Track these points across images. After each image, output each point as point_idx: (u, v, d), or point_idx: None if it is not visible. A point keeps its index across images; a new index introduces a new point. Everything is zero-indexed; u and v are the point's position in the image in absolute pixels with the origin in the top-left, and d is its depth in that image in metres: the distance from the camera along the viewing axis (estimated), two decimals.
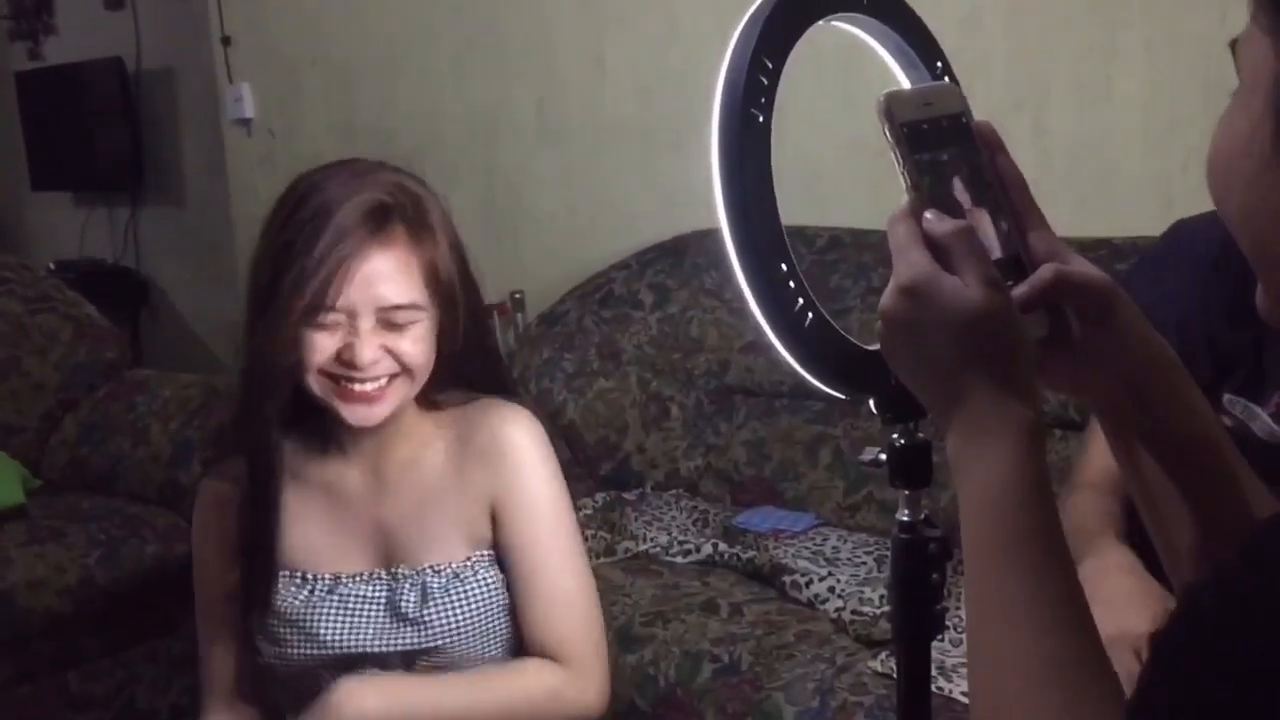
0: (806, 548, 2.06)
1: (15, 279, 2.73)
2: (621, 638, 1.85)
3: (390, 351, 1.23)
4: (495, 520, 1.30)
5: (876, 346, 0.87)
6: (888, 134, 0.78)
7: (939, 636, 0.93)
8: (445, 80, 3.11)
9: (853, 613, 1.81)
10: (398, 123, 3.19)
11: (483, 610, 1.29)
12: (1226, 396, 1.31)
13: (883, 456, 0.90)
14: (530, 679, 1.28)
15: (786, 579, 1.94)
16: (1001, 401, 0.71)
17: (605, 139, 2.87)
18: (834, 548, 2.05)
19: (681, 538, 2.14)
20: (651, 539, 2.15)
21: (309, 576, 1.31)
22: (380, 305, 1.22)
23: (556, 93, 2.94)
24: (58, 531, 2.27)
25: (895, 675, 1.65)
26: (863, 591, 1.87)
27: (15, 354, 2.64)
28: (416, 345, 1.25)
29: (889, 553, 1.99)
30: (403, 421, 1.31)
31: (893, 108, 0.78)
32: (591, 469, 2.44)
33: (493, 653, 1.31)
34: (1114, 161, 2.25)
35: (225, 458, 1.34)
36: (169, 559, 2.25)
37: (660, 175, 2.78)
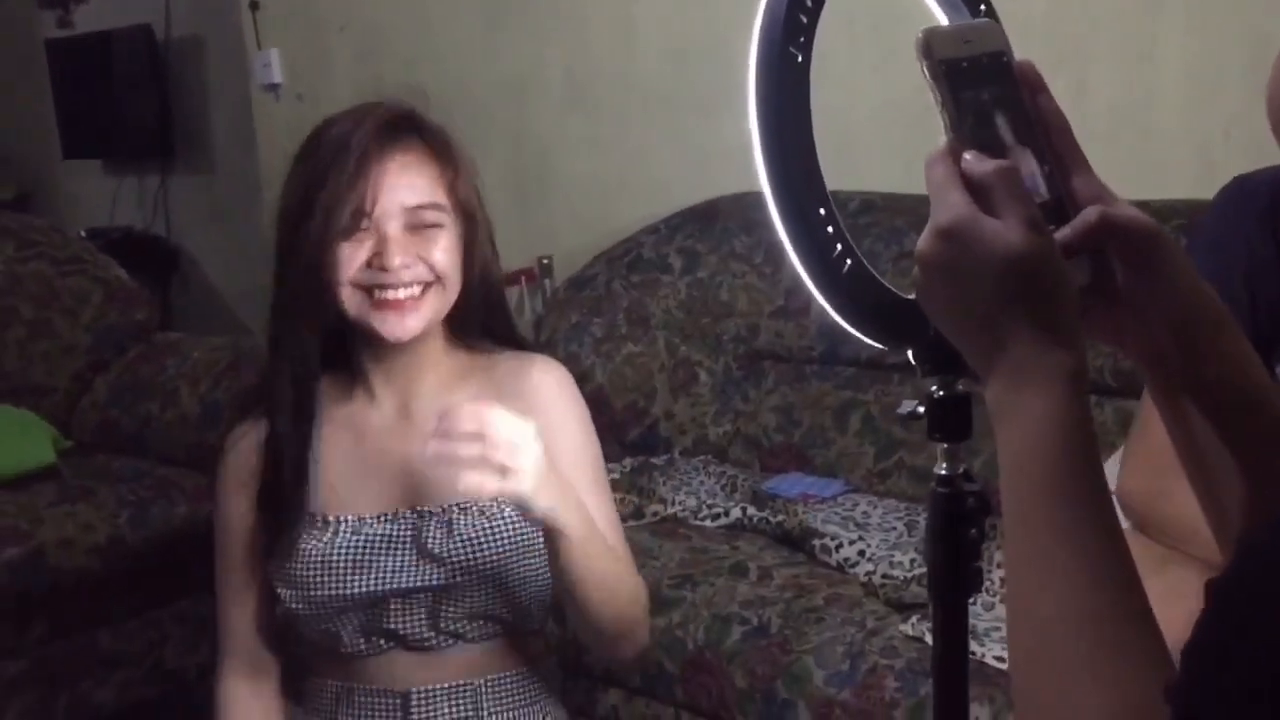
0: (836, 513, 2.04)
1: (46, 241, 2.74)
2: (650, 601, 1.83)
3: (420, 258, 1.25)
4: None
5: (915, 296, 0.84)
6: (926, 71, 0.76)
7: (974, 597, 0.91)
8: (474, 44, 3.08)
9: (883, 576, 1.79)
10: (426, 87, 3.15)
11: (510, 550, 1.27)
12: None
13: (921, 409, 0.88)
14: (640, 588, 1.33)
15: (816, 543, 1.92)
16: (1043, 348, 0.69)
17: (635, 103, 2.84)
18: (864, 513, 2.04)
19: (710, 501, 2.12)
20: (680, 503, 2.13)
21: (331, 519, 1.30)
22: (406, 205, 1.25)
23: (586, 56, 2.91)
24: (88, 491, 2.28)
25: (928, 638, 1.64)
26: (893, 555, 1.85)
27: (46, 315, 2.65)
28: (445, 254, 1.27)
29: (920, 518, 2.00)
30: (431, 352, 1.32)
31: (932, 44, 0.76)
32: (619, 434, 2.43)
33: (521, 596, 1.29)
34: (1155, 122, 2.21)
35: (252, 409, 1.33)
36: (197, 520, 2.25)
37: (690, 139, 2.75)
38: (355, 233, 1.24)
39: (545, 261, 2.92)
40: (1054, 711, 0.66)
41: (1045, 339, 0.69)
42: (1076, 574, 0.67)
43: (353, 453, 1.32)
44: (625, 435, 2.42)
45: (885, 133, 2.43)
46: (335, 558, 1.27)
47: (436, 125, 1.29)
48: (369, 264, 1.24)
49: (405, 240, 1.25)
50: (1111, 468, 1.56)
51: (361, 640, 1.29)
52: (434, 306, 1.27)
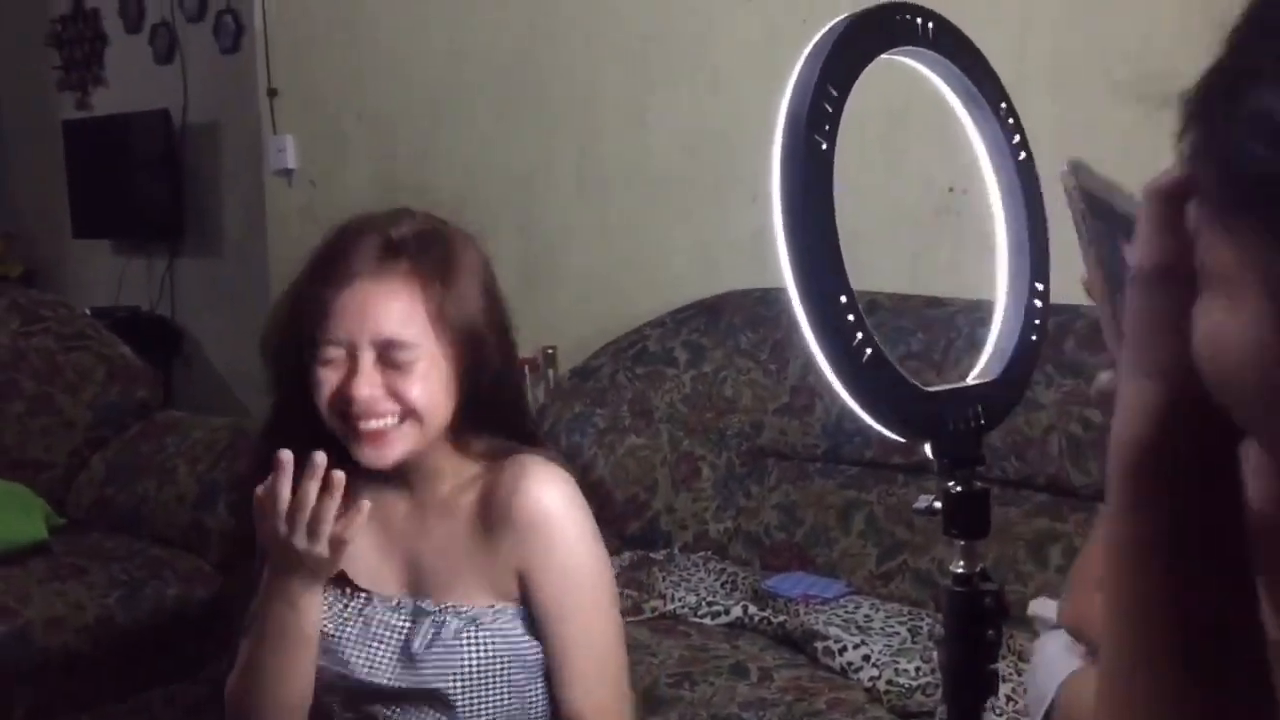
0: (838, 615, 2.00)
1: (52, 316, 2.74)
2: (647, 699, 1.79)
3: (392, 392, 1.22)
4: (525, 585, 1.26)
5: (935, 388, 0.83)
6: (1073, 188, 0.71)
7: (990, 701, 0.89)
8: (487, 134, 3.12)
9: (888, 682, 1.75)
10: (438, 175, 3.20)
11: (494, 661, 1.24)
12: None
13: (938, 505, 0.86)
14: None
15: (819, 645, 1.88)
16: None
17: (645, 196, 2.87)
18: (866, 616, 1.99)
19: (710, 599, 2.08)
20: (679, 599, 2.09)
21: (348, 590, 1.29)
22: (375, 338, 1.21)
23: (597, 148, 2.94)
24: (79, 569, 2.24)
25: None
26: (898, 661, 1.81)
27: (48, 390, 2.64)
28: (420, 386, 1.22)
29: (923, 623, 1.96)
30: (433, 460, 1.29)
31: (1080, 173, 0.72)
32: (619, 527, 2.39)
33: (507, 709, 1.26)
34: None
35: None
36: (190, 602, 2.22)
37: (699, 233, 2.77)
38: (330, 359, 1.22)
39: (550, 351, 2.92)
40: None
41: None
42: None
43: (376, 533, 1.31)
44: (625, 528, 2.39)
45: (893, 236, 2.45)
46: (338, 633, 1.27)
47: (433, 240, 1.25)
48: (340, 393, 1.22)
49: (378, 373, 1.22)
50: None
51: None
52: (411, 438, 1.24)
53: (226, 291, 4.07)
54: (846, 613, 2.01)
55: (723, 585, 2.17)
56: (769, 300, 2.49)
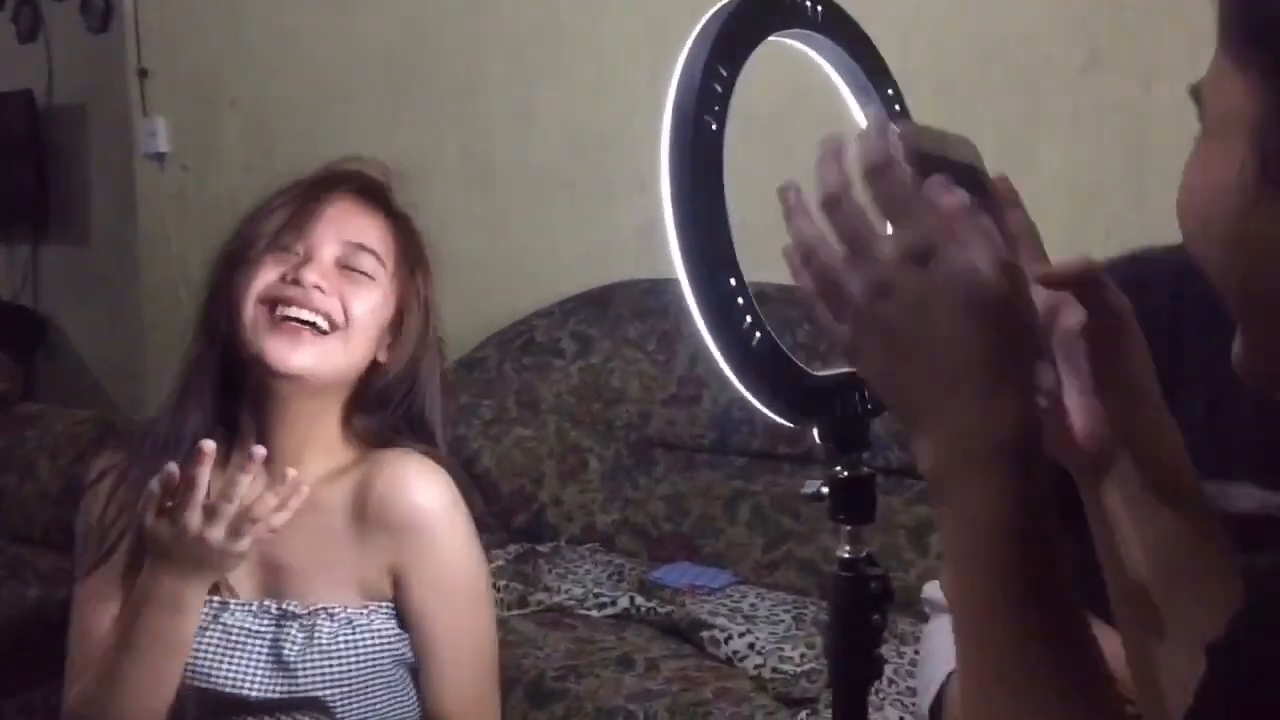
0: (724, 604, 2.01)
1: None
2: (532, 693, 1.77)
3: (338, 294, 1.18)
4: (398, 584, 1.21)
5: (826, 373, 0.83)
6: (903, 152, 0.71)
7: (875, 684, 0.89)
8: (369, 122, 3.06)
9: (773, 670, 1.76)
10: (318, 162, 3.12)
11: (371, 663, 1.19)
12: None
13: (825, 490, 0.86)
14: None
15: (704, 634, 1.88)
16: (999, 413, 0.60)
17: (533, 188, 2.84)
18: (752, 605, 2.01)
19: (597, 590, 2.07)
20: (566, 591, 2.08)
21: None
22: (346, 239, 1.19)
23: (483, 139, 2.91)
24: None
25: None
26: (783, 649, 1.82)
27: None
28: (365, 304, 1.19)
29: (807, 610, 1.97)
30: (322, 437, 1.22)
31: (908, 135, 0.73)
32: (505, 519, 2.37)
33: (381, 709, 1.21)
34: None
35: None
36: (51, 603, 2.12)
37: (587, 225, 2.76)
38: (283, 251, 1.18)
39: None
40: None
41: (1000, 399, 0.60)
42: (1026, 692, 0.60)
43: None
44: (511, 521, 2.37)
45: (779, 226, 2.45)
46: (196, 639, 1.18)
47: (401, 204, 1.27)
48: (283, 278, 1.17)
49: (332, 272, 1.18)
50: None
51: None
52: (329, 354, 1.17)
53: (94, 280, 3.92)
54: (732, 602, 2.01)
55: (609, 577, 2.16)
56: (657, 291, 2.49)
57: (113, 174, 3.73)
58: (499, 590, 2.01)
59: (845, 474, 0.84)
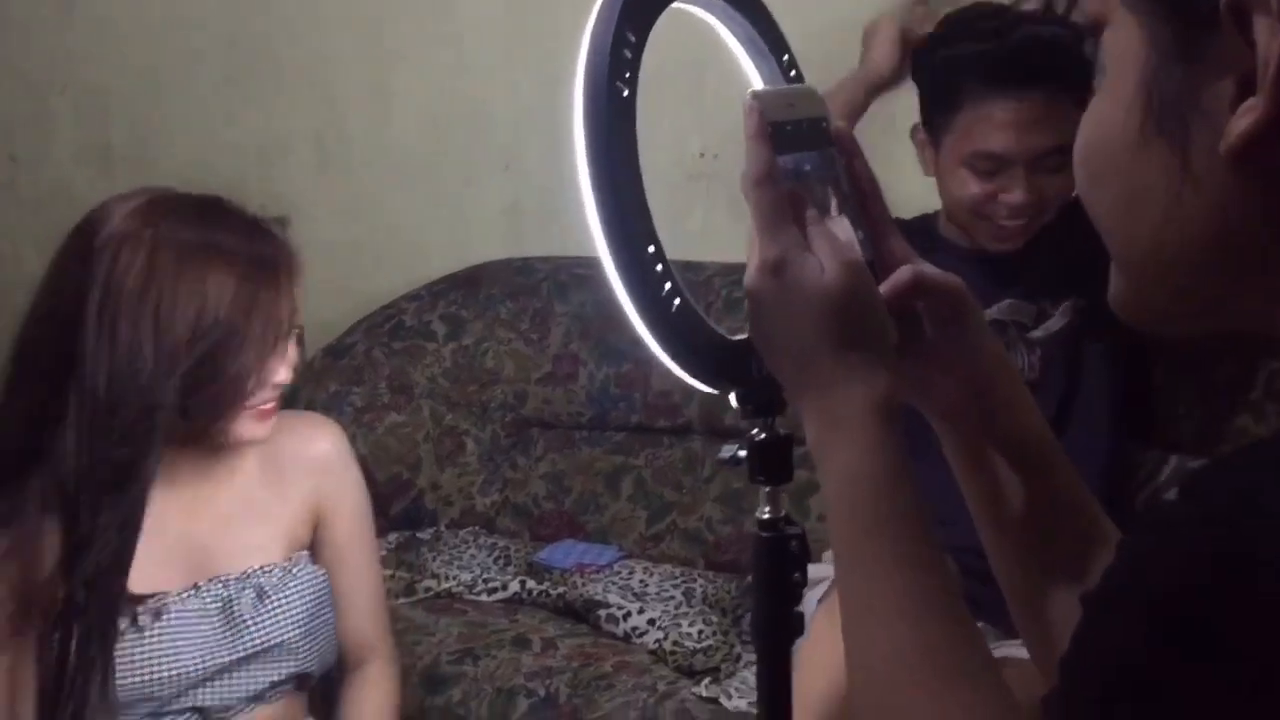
0: (614, 582, 2.02)
1: None
2: (427, 680, 1.76)
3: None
4: (320, 524, 1.33)
5: (741, 336, 0.84)
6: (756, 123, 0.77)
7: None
8: (212, 107, 2.95)
9: (674, 643, 1.78)
10: (159, 151, 3.00)
11: (315, 603, 1.28)
12: None
13: (742, 453, 0.88)
14: (387, 696, 1.36)
15: (601, 613, 1.89)
16: (850, 384, 0.71)
17: (392, 170, 2.79)
18: (641, 581, 2.02)
19: (485, 575, 2.06)
20: (453, 577, 2.06)
21: (128, 606, 1.20)
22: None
23: (337, 122, 2.83)
24: None
25: (722, 699, 1.63)
26: (680, 624, 1.85)
27: None
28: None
29: (696, 584, 2.00)
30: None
31: (761, 106, 0.77)
32: (383, 507, 2.32)
33: (324, 648, 1.29)
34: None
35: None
36: None
37: (451, 206, 2.72)
38: (279, 346, 1.23)
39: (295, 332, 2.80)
40: None
41: (851, 373, 0.71)
42: (905, 613, 0.68)
43: (150, 530, 1.20)
44: (389, 508, 2.33)
45: (702, 185, 2.43)
46: (143, 646, 1.18)
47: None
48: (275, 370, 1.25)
49: (290, 355, 1.27)
50: None
51: None
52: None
53: None
54: (621, 579, 2.03)
55: (495, 560, 2.15)
56: (528, 270, 2.48)
57: None
58: (386, 580, 1.98)
59: (762, 436, 0.86)
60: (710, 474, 2.15)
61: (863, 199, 0.81)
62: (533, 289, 2.42)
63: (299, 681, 1.30)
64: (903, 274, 0.78)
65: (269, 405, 1.24)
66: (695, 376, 0.84)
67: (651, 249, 0.82)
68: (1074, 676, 0.54)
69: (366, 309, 2.59)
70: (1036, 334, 1.57)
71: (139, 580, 1.20)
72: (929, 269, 0.79)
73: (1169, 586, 0.49)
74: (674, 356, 0.82)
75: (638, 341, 2.44)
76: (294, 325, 1.26)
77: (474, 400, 2.40)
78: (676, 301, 0.82)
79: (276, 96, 2.88)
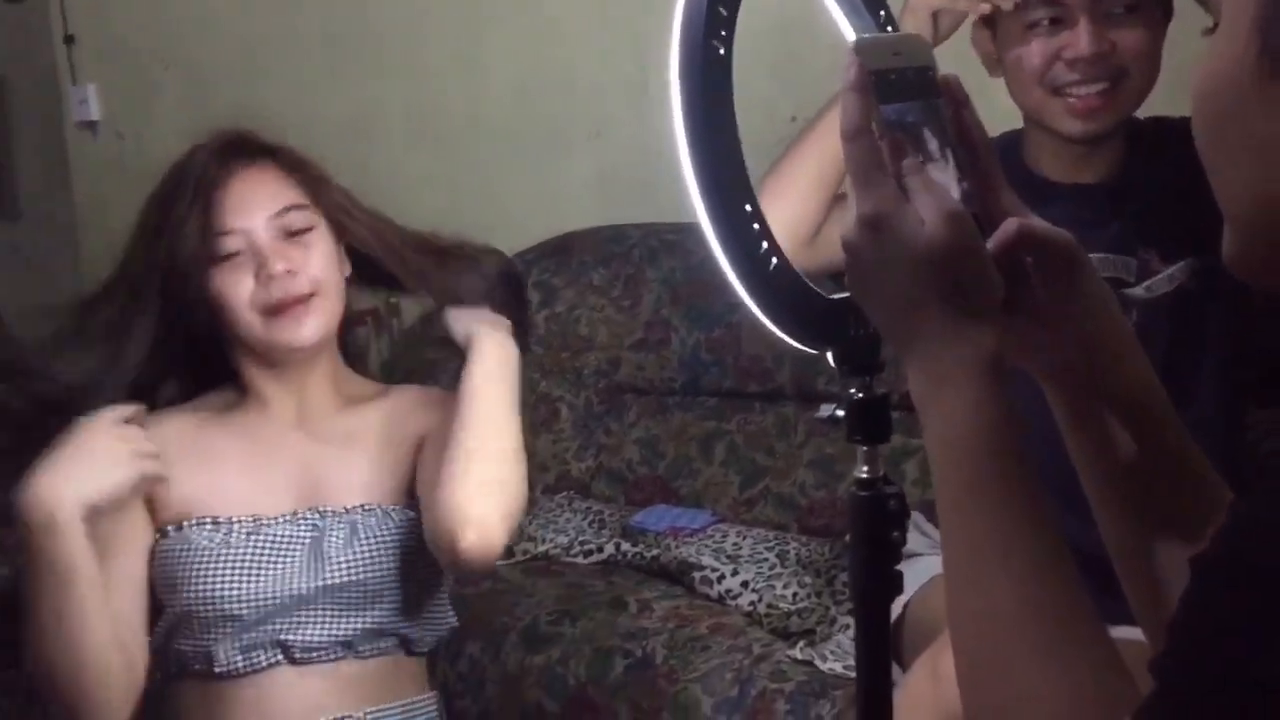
0: (707, 545, 2.04)
1: None
2: (527, 638, 1.80)
3: (299, 266, 1.27)
4: (422, 448, 1.31)
5: (839, 295, 0.84)
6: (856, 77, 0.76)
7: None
8: (308, 81, 3.01)
9: (768, 606, 1.80)
10: (257, 125, 3.06)
11: (412, 556, 1.28)
12: None
13: (840, 412, 0.88)
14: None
15: (696, 575, 1.92)
16: (955, 340, 0.70)
17: (483, 140, 2.82)
18: (734, 544, 2.04)
19: (581, 539, 2.09)
20: (550, 540, 2.10)
21: (224, 519, 1.27)
22: (271, 211, 1.26)
23: (428, 94, 2.87)
24: None
25: (817, 661, 1.63)
26: (774, 587, 1.86)
27: None
28: (320, 260, 1.28)
29: (789, 547, 2.00)
30: (324, 370, 1.33)
31: (863, 54, 0.76)
32: None
33: (419, 608, 1.30)
34: None
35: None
36: (24, 580, 2.08)
37: (541, 175, 2.74)
38: (235, 261, 1.26)
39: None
40: (1010, 703, 0.66)
41: (958, 330, 0.70)
42: (1015, 569, 0.67)
43: (247, 456, 1.31)
44: None
45: (768, 160, 2.41)
46: (230, 558, 1.23)
47: (280, 142, 1.34)
48: (256, 280, 1.26)
49: (282, 247, 1.27)
50: None
51: (239, 657, 1.23)
52: (324, 313, 1.29)
53: (24, 258, 3.82)
54: (715, 542, 2.04)
55: (590, 524, 2.18)
56: (619, 236, 2.49)
57: (39, 146, 3.63)
58: None
59: (860, 395, 0.86)
60: (803, 438, 2.16)
61: (971, 150, 0.78)
62: (624, 255, 2.44)
63: (406, 646, 1.30)
64: (1009, 227, 0.76)
65: (287, 296, 1.26)
66: (793, 336, 0.84)
67: (749, 207, 0.82)
68: (1183, 643, 0.54)
69: None
70: (1137, 292, 1.49)
71: (242, 501, 1.28)
72: (1038, 222, 0.77)
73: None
74: (772, 316, 0.83)
75: (730, 306, 2.45)
76: (262, 216, 1.26)
77: (568, 367, 2.43)
78: (774, 260, 0.82)
79: (370, 70, 2.93)
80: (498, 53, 2.78)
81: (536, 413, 2.41)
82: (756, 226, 0.82)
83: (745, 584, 1.87)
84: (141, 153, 3.27)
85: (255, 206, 1.27)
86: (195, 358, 1.32)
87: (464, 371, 1.27)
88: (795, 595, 1.82)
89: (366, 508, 1.29)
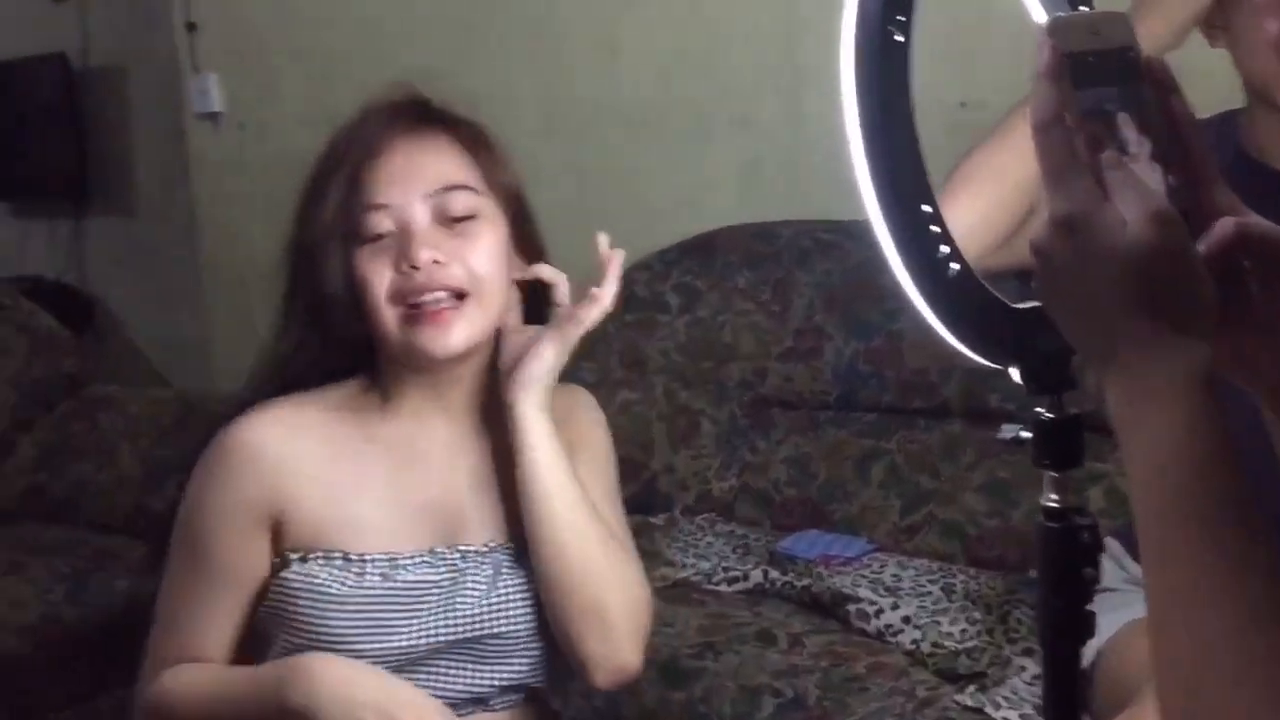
0: (864, 575, 2.02)
1: None
2: (666, 673, 1.81)
3: (454, 258, 1.19)
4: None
5: (1027, 305, 0.83)
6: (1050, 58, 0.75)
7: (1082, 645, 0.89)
8: (437, 68, 3.00)
9: (933, 645, 1.78)
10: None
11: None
12: None
13: (1025, 434, 0.87)
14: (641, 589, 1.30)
15: (851, 608, 1.91)
16: (1165, 356, 0.68)
17: (621, 130, 2.85)
18: (894, 575, 2.01)
19: (724, 564, 2.10)
20: (691, 565, 2.11)
21: (356, 556, 1.21)
22: (430, 189, 1.19)
23: (564, 79, 2.91)
24: (16, 565, 2.22)
25: (989, 708, 1.60)
26: (939, 623, 1.84)
27: None
28: (483, 255, 1.20)
29: (956, 580, 1.97)
30: (479, 374, 1.26)
31: (1057, 35, 0.75)
32: None
33: (557, 658, 1.26)
34: None
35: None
36: (141, 596, 2.19)
37: (683, 167, 2.76)
38: (379, 242, 1.19)
39: None
40: None
41: (1165, 343, 0.68)
42: (1231, 610, 0.66)
43: (387, 481, 1.25)
44: (621, 492, 2.39)
45: (954, 145, 2.38)
46: (361, 603, 1.19)
47: (465, 116, 1.26)
48: (397, 269, 1.19)
49: (436, 234, 1.19)
50: None
51: None
52: (475, 320, 1.21)
53: (143, 252, 4.00)
54: (872, 572, 2.03)
55: (734, 550, 2.18)
56: (767, 235, 2.49)
57: (159, 137, 3.79)
58: None
59: (1050, 415, 0.85)
60: (973, 460, 2.12)
61: (1179, 140, 0.76)
62: (773, 256, 2.44)
63: (540, 699, 1.29)
64: (1224, 227, 0.73)
65: (429, 300, 1.17)
66: (974, 350, 0.84)
67: (927, 208, 0.82)
68: None
69: (596, 279, 2.65)
70: None
71: (378, 534, 1.22)
72: (1258, 221, 0.75)
73: None
74: (950, 328, 0.82)
75: (889, 313, 2.46)
76: (418, 193, 1.19)
77: (710, 377, 2.44)
78: (954, 266, 0.82)
79: (501, 54, 2.98)
80: (636, 33, 2.80)
81: (675, 426, 2.43)
82: (936, 229, 0.82)
83: (907, 619, 1.85)
84: (264, 145, 3.39)
85: (413, 181, 1.19)
86: (341, 352, 1.26)
87: (522, 461, 1.22)
88: (963, 633, 1.80)
89: (509, 547, 1.25)
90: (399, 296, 1.19)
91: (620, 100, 2.83)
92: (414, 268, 1.17)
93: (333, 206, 1.18)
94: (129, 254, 4.04)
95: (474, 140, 1.25)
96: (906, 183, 0.82)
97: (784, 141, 2.61)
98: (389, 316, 1.19)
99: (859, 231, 2.75)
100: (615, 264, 1.31)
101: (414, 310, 1.19)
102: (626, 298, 2.54)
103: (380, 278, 1.18)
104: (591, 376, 2.47)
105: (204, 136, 3.52)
